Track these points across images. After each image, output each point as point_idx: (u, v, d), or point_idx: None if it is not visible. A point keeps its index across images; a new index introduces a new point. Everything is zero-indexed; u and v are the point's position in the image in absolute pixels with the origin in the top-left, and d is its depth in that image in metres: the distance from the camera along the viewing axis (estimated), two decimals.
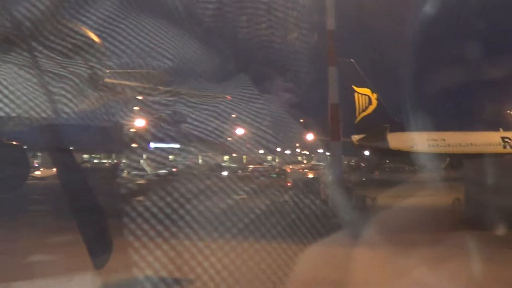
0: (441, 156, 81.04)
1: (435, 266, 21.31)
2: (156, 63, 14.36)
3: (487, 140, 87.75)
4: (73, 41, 10.64)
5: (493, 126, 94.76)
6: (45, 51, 10.44)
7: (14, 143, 15.11)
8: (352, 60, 78.42)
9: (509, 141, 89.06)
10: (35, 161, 68.83)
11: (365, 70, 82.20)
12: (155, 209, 15.05)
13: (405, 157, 77.53)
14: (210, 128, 15.91)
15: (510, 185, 33.21)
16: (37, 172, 61.48)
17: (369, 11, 55.41)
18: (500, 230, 28.03)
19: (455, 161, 71.96)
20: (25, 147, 12.42)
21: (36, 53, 10.41)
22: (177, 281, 16.78)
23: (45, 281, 18.09)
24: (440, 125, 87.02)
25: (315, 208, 25.23)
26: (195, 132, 16.02)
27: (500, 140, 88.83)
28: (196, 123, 15.92)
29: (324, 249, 23.32)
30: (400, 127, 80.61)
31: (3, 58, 10.76)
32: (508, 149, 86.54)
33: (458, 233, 29.78)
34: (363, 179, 77.79)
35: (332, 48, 41.75)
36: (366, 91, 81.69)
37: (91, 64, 11.30)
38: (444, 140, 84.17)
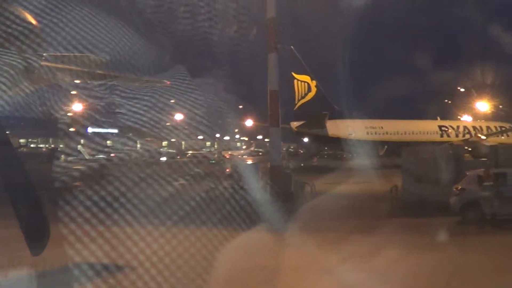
0: (379, 143, 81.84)
1: (371, 254, 21.52)
2: (93, 57, 14.24)
3: (425, 129, 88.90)
4: (9, 30, 10.46)
5: (431, 114, 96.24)
6: None
7: None
8: (292, 47, 78.44)
9: (446, 129, 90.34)
10: None
11: (305, 57, 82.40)
12: (92, 196, 14.94)
13: (343, 144, 77.80)
14: (145, 119, 15.84)
15: (445, 173, 33.72)
16: None
17: (311, 4, 55.81)
18: (436, 217, 28.46)
19: (392, 149, 72.59)
20: None
21: None
22: (110, 267, 16.69)
23: None
24: (378, 113, 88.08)
25: (254, 195, 25.28)
26: (130, 122, 15.94)
27: (437, 129, 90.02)
28: (130, 113, 15.84)
29: (264, 236, 23.40)
30: (340, 115, 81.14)
31: None
32: (445, 138, 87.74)
33: (394, 221, 30.15)
34: (302, 165, 78.11)
35: (272, 35, 41.71)
36: (306, 78, 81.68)
37: (26, 55, 11.12)
38: (382, 127, 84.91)
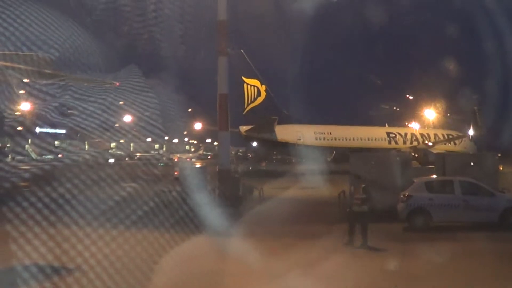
0: (327, 149, 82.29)
1: (318, 259, 21.52)
2: (42, 53, 14.03)
3: (373, 135, 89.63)
4: None
5: (379, 121, 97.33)
6: None
7: None
8: (242, 50, 78.32)
9: (394, 136, 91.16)
10: None
11: (255, 62, 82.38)
12: (39, 197, 14.75)
13: (292, 149, 78.18)
14: (91, 119, 15.70)
15: (392, 180, 33.94)
16: None
17: (262, 10, 56.01)
18: (383, 224, 28.60)
19: (340, 155, 73.04)
20: None
21: None
22: (56, 270, 16.47)
23: None
24: (327, 119, 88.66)
25: (201, 199, 25.15)
26: (77, 122, 15.78)
27: (385, 135, 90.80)
28: (78, 113, 15.68)
29: (210, 240, 23.28)
30: (289, 120, 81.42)
31: None
32: (393, 144, 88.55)
33: (341, 226, 30.18)
34: (250, 169, 78.14)
35: (222, 38, 41.63)
36: (255, 82, 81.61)
37: None
38: (330, 133, 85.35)
